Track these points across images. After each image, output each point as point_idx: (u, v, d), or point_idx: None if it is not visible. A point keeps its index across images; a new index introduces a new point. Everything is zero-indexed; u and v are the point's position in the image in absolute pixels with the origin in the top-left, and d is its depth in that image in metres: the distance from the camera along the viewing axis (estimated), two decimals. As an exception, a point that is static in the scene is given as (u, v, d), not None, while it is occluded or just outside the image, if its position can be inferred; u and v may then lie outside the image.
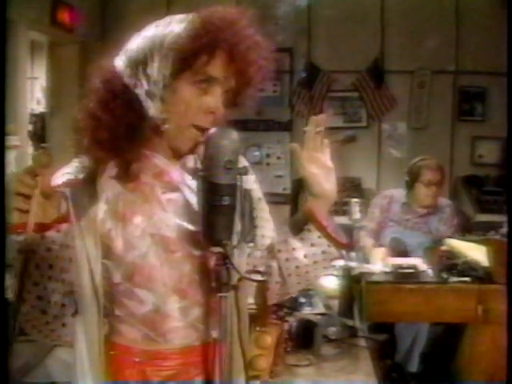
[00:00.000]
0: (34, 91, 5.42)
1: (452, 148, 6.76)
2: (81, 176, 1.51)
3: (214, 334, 1.51)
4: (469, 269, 3.75)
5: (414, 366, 4.20)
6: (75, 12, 5.60)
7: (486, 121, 6.78)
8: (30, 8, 4.70)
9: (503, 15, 6.15)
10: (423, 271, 3.82)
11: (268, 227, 1.72)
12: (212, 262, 1.45)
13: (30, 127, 5.11)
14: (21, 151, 4.71)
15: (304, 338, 2.84)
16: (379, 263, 3.91)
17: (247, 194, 1.61)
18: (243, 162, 1.57)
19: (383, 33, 6.70)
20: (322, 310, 3.25)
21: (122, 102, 1.47)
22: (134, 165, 1.52)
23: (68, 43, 5.77)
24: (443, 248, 4.01)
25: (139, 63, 1.47)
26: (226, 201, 1.38)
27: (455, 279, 3.69)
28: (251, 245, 1.65)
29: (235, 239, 1.49)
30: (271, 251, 1.68)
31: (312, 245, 1.62)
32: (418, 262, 3.92)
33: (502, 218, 4.45)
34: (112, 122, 1.46)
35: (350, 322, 3.27)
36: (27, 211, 1.32)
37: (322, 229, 1.61)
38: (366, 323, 3.59)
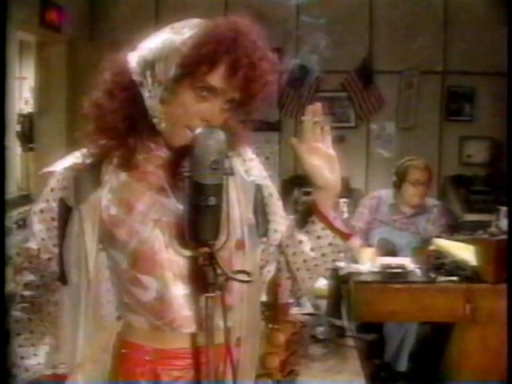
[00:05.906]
0: (22, 91, 5.39)
1: (440, 148, 6.79)
2: (86, 162, 1.55)
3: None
4: (457, 268, 3.76)
5: (402, 366, 4.20)
6: (64, 12, 5.59)
7: (474, 121, 6.80)
8: (18, 8, 4.68)
9: (491, 16, 6.19)
10: (411, 271, 3.82)
11: (281, 222, 1.70)
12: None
13: (18, 127, 5.09)
14: (9, 152, 4.69)
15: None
16: (368, 263, 3.91)
17: (258, 189, 1.66)
18: (249, 155, 1.66)
19: (372, 33, 6.71)
20: (310, 309, 3.25)
21: (126, 96, 1.50)
22: (136, 155, 1.54)
23: (56, 43, 5.75)
24: (431, 248, 4.01)
25: (148, 63, 1.48)
26: (212, 201, 1.38)
27: (443, 279, 3.70)
28: (264, 240, 1.66)
29: (247, 233, 1.56)
30: (280, 246, 1.68)
31: (318, 237, 1.60)
32: (406, 262, 3.92)
33: (490, 218, 4.46)
34: (115, 113, 1.49)
35: (338, 322, 3.28)
36: None
37: (324, 220, 1.58)
38: (354, 323, 3.60)
